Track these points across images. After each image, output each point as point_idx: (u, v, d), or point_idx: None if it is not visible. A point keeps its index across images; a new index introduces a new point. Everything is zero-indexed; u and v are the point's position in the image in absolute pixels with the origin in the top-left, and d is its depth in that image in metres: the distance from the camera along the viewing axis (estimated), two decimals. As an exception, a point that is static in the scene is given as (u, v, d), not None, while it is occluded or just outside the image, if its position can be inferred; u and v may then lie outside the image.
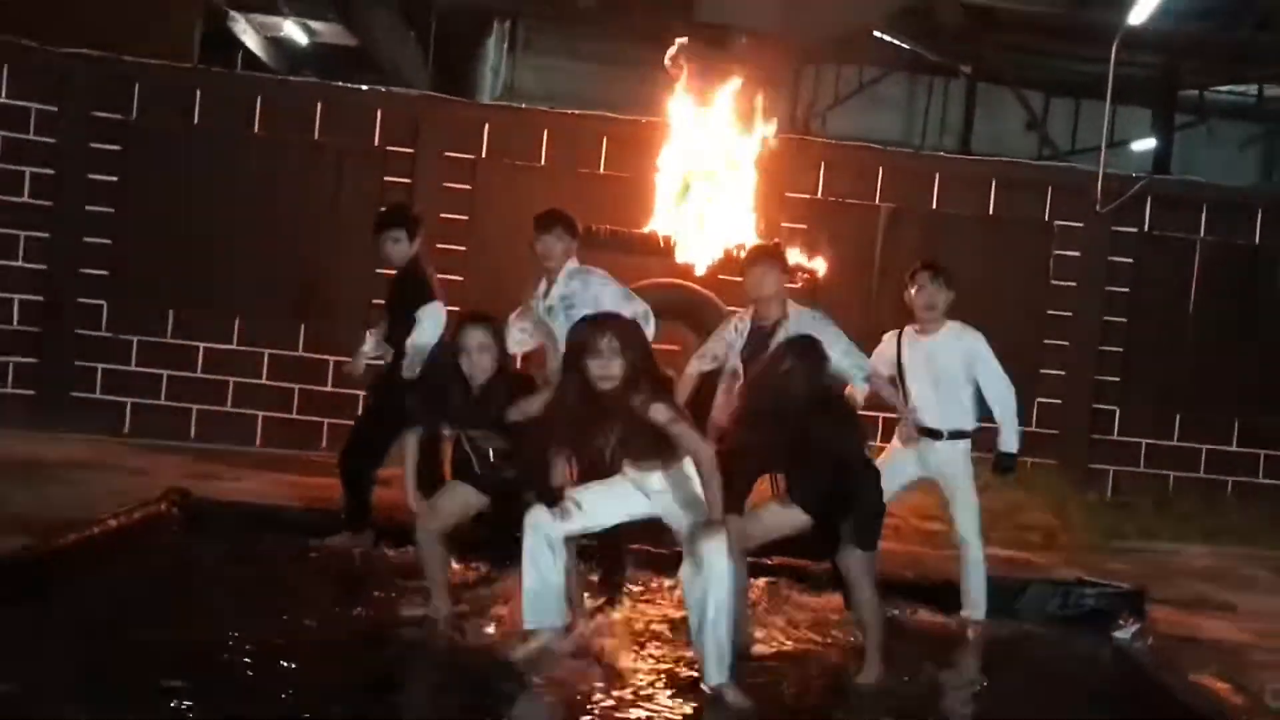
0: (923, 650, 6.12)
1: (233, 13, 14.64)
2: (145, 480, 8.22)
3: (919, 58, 17.47)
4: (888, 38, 16.37)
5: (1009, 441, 6.66)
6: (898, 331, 6.80)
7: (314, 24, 15.51)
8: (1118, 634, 6.77)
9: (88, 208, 10.48)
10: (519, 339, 6.59)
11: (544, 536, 5.18)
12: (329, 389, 10.42)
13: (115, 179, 10.50)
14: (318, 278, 10.58)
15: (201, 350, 10.50)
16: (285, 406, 10.54)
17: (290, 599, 5.95)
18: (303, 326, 10.58)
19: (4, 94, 10.30)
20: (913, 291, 6.68)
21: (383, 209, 7.63)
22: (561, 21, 19.28)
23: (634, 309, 6.16)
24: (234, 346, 10.52)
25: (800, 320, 6.10)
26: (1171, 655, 6.39)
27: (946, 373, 6.62)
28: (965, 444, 6.66)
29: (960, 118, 18.77)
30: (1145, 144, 17.90)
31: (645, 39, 17.10)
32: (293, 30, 15.57)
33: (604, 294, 6.36)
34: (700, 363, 6.38)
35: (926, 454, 6.66)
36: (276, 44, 16.02)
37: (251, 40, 15.40)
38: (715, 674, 5.00)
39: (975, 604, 6.65)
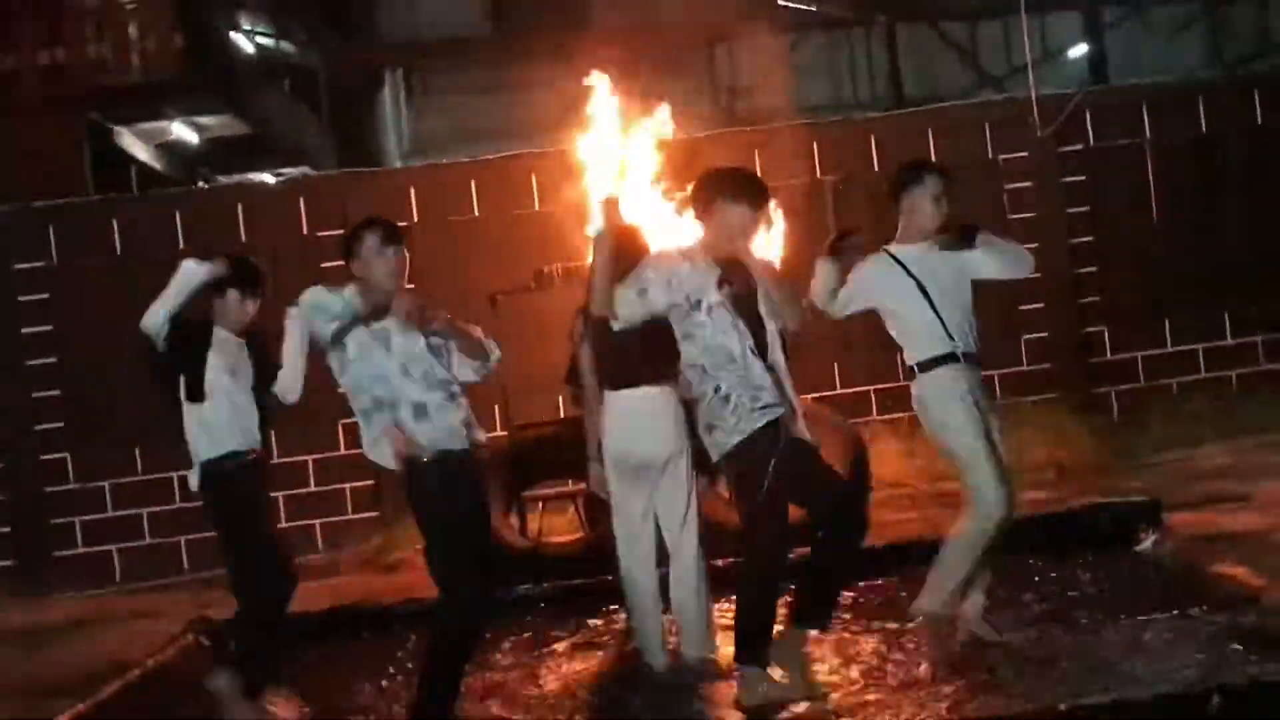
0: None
1: (117, 128, 15.35)
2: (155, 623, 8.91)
3: (831, 16, 18.40)
4: (793, 4, 17.32)
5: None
6: (884, 254, 6.16)
7: (202, 120, 16.24)
8: (1139, 546, 7.64)
9: (29, 362, 11.28)
10: None
11: None
12: (312, 488, 11.22)
13: (50, 327, 11.29)
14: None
15: (175, 480, 11.22)
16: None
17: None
18: (273, 434, 11.33)
19: (-81, 263, 11.14)
20: (924, 199, 6.08)
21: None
22: (455, 58, 20.18)
23: None
24: (208, 468, 11.29)
25: None
26: (1192, 555, 7.23)
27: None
28: None
29: (886, 66, 19.71)
30: (1081, 50, 18.85)
31: (544, 60, 18.04)
32: (182, 131, 16.29)
33: None
34: None
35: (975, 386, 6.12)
36: (168, 148, 16.75)
37: (141, 151, 16.10)
38: None
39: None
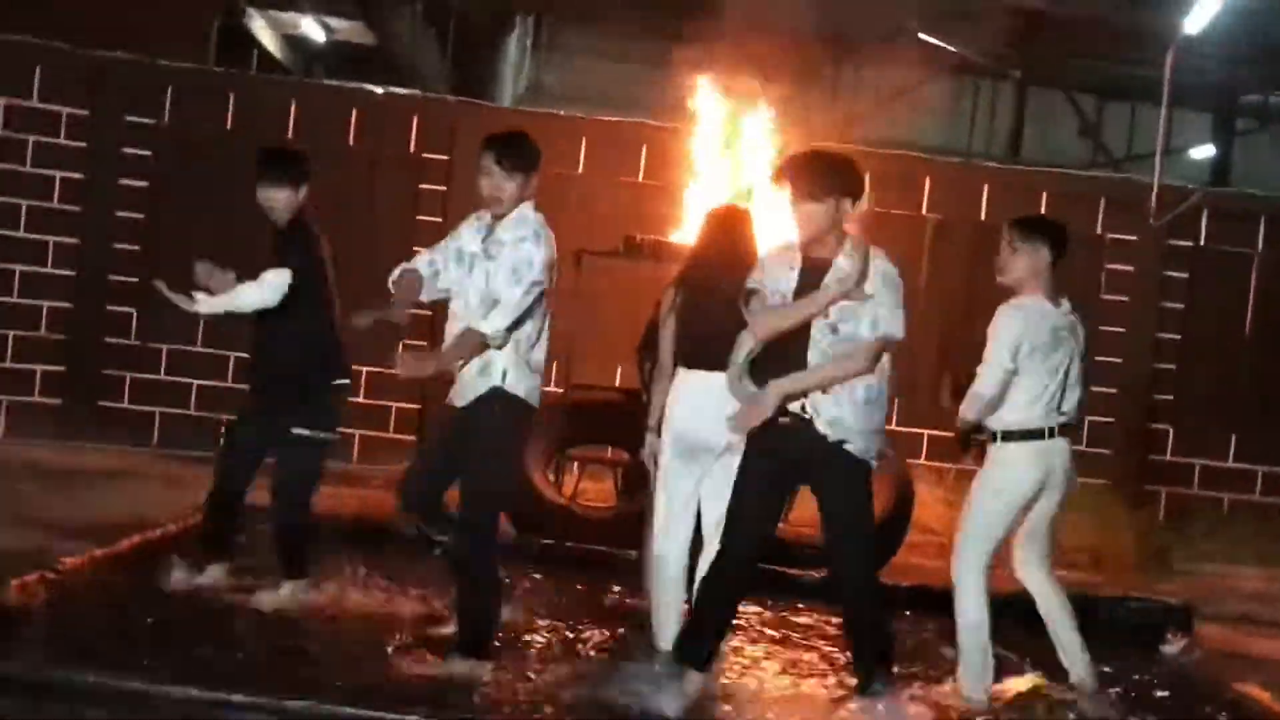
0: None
1: (250, 9, 15.41)
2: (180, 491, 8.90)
3: (966, 60, 18.18)
4: (932, 40, 17.09)
5: None
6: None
7: (332, 21, 16.30)
8: (1165, 648, 7.46)
9: (118, 213, 11.31)
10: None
11: None
12: (361, 400, 11.13)
13: (146, 184, 11.31)
14: (350, 284, 11.28)
15: (232, 360, 11.23)
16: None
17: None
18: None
19: (35, 97, 11.17)
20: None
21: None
22: (585, 19, 20.12)
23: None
24: (265, 356, 11.27)
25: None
26: (1217, 669, 7.07)
27: None
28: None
29: (1009, 122, 19.48)
30: (1204, 151, 18.58)
31: (670, 37, 17.94)
32: (310, 27, 16.36)
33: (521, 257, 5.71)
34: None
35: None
36: (292, 41, 16.82)
37: (267, 37, 16.17)
38: None
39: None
